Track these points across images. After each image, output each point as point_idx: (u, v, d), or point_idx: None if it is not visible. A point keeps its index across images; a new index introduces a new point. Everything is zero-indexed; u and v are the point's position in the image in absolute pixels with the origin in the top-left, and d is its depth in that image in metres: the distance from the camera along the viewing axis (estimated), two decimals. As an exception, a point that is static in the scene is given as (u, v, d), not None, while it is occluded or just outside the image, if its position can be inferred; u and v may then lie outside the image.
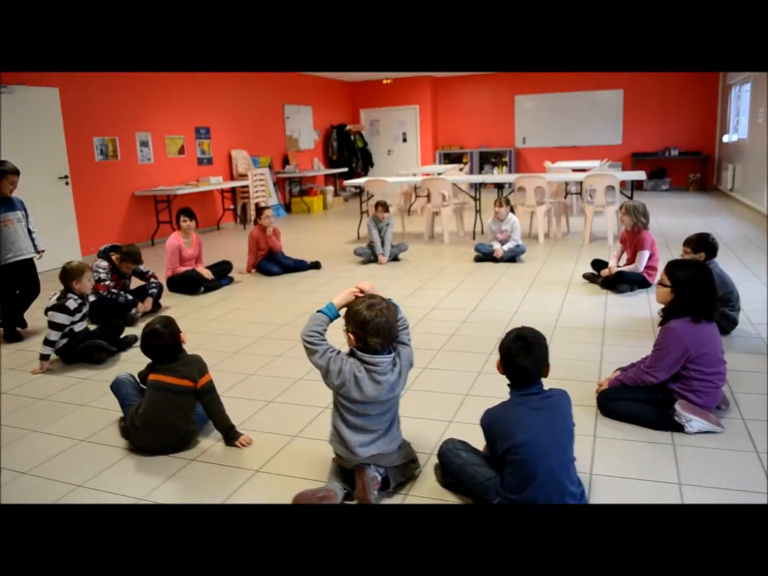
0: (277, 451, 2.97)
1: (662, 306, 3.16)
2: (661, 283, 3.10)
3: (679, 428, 2.92)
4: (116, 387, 3.22)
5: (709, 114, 13.58)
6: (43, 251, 5.08)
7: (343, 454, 2.53)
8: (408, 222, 10.05)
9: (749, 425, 2.99)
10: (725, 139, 12.62)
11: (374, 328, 2.36)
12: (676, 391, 2.99)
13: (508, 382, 2.36)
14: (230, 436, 3.03)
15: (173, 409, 2.95)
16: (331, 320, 2.54)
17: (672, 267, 3.07)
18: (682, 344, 2.92)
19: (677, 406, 2.92)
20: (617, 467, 2.68)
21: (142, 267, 5.45)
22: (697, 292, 2.97)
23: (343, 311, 2.55)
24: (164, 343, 2.99)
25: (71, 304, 4.16)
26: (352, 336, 2.44)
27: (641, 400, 3.04)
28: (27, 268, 4.97)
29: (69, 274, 4.23)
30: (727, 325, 4.14)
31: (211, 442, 3.10)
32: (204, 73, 10.49)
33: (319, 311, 2.52)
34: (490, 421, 2.31)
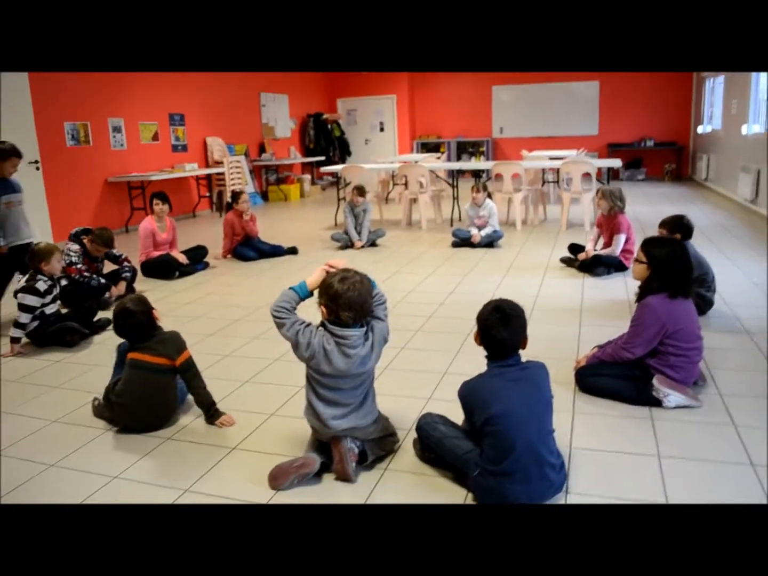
0: (253, 429, 2.93)
1: (639, 284, 3.18)
2: (637, 260, 3.11)
3: (657, 403, 2.94)
4: (118, 353, 3.18)
5: (683, 105, 13.71)
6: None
7: (317, 427, 2.51)
8: (386, 210, 10.02)
9: (726, 400, 3.02)
10: (699, 130, 12.76)
11: (346, 302, 2.34)
12: (654, 367, 3.00)
13: (485, 353, 2.35)
14: (211, 413, 2.99)
15: (151, 388, 2.90)
16: (302, 299, 2.54)
17: (648, 244, 3.08)
18: (658, 320, 2.94)
19: (655, 381, 2.94)
20: (597, 441, 2.69)
21: (114, 251, 5.36)
22: (673, 268, 2.99)
23: (316, 292, 2.52)
24: (136, 321, 2.92)
25: (41, 285, 4.07)
26: (324, 309, 2.42)
27: (619, 375, 3.05)
28: (22, 253, 4.71)
29: (37, 256, 4.14)
30: (704, 305, 4.18)
31: (188, 420, 3.05)
32: (178, 59, 10.32)
33: (290, 288, 2.53)
34: (468, 393, 2.30)
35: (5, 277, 4.76)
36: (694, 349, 3.00)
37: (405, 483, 2.44)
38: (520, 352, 2.33)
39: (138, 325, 2.93)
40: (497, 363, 2.29)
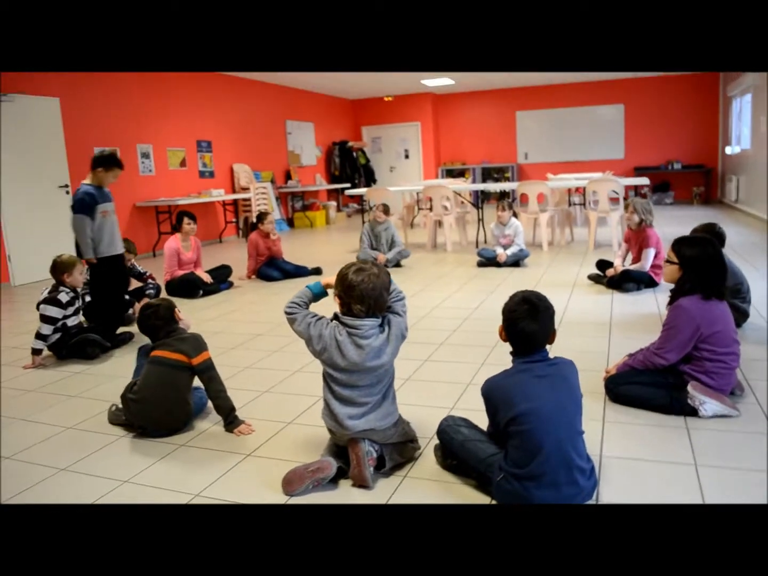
0: (270, 436, 2.84)
1: (670, 288, 3.04)
2: (668, 260, 2.98)
3: (692, 412, 2.77)
4: (138, 355, 3.19)
5: (710, 127, 13.53)
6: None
7: (334, 428, 2.41)
8: (411, 234, 9.97)
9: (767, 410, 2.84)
10: (728, 151, 12.54)
11: (359, 294, 2.27)
12: (688, 373, 2.84)
13: (510, 350, 2.23)
14: (230, 420, 2.90)
15: (166, 384, 2.85)
16: (315, 296, 2.52)
17: (679, 243, 2.95)
18: (692, 322, 2.79)
19: (690, 388, 2.78)
20: (629, 450, 2.53)
21: (140, 268, 5.37)
22: (706, 268, 2.84)
23: (331, 292, 2.50)
24: (159, 316, 2.93)
25: (63, 297, 4.05)
26: (338, 299, 2.36)
27: (652, 383, 2.90)
28: (119, 264, 4.74)
29: (59, 267, 4.13)
30: (739, 317, 3.98)
31: (205, 426, 2.98)
32: (205, 87, 10.49)
33: (306, 286, 2.55)
34: (492, 390, 2.18)
35: (101, 287, 4.62)
36: (731, 354, 2.83)
37: (425, 490, 2.31)
38: (548, 347, 2.20)
39: (160, 320, 2.94)
40: (523, 359, 2.16)
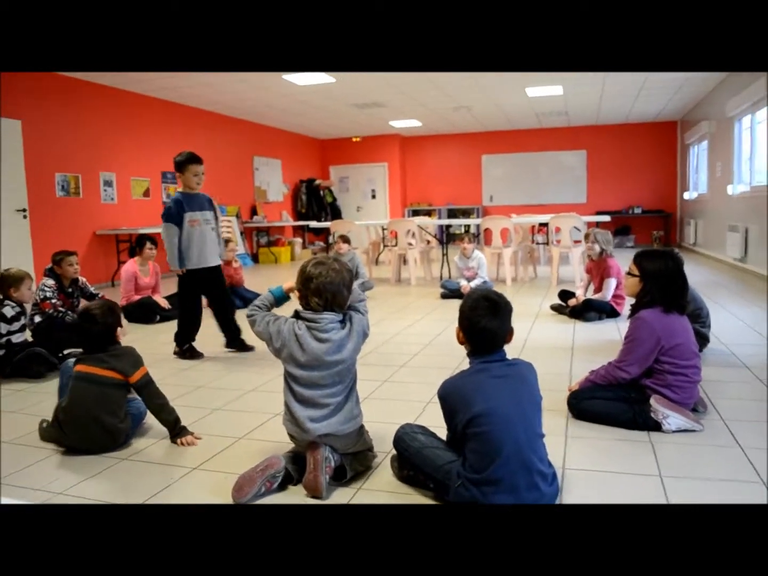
0: (219, 450, 2.68)
1: (631, 304, 3.01)
2: (629, 273, 2.95)
3: (656, 426, 2.71)
4: (62, 372, 2.94)
5: (669, 173, 13.90)
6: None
7: (295, 433, 2.29)
8: (375, 270, 9.92)
9: (730, 425, 2.79)
10: (686, 196, 12.86)
11: (316, 288, 2.21)
12: (651, 387, 2.79)
13: (467, 351, 2.15)
14: (176, 431, 2.73)
15: (99, 403, 2.63)
16: (277, 299, 2.47)
17: (640, 256, 2.93)
18: (653, 334, 2.75)
19: (652, 401, 2.72)
20: (592, 462, 2.44)
21: (92, 289, 5.17)
22: (667, 281, 2.82)
23: (294, 297, 2.43)
24: (96, 329, 2.71)
25: (8, 311, 3.87)
26: (297, 293, 2.30)
27: (614, 398, 2.83)
28: (208, 276, 4.39)
29: (6, 281, 3.96)
30: (700, 342, 3.97)
31: (146, 443, 2.79)
32: (174, 119, 10.44)
33: (268, 290, 2.48)
34: (448, 392, 2.08)
35: (187, 302, 4.44)
36: (693, 367, 2.79)
37: (380, 502, 2.18)
38: (505, 348, 2.12)
39: (97, 333, 2.72)
40: (481, 358, 2.08)
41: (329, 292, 2.21)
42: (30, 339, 4.24)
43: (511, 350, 2.16)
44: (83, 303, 5.10)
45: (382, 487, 2.29)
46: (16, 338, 3.96)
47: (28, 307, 4.25)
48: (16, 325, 3.93)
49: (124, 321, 2.93)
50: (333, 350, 2.23)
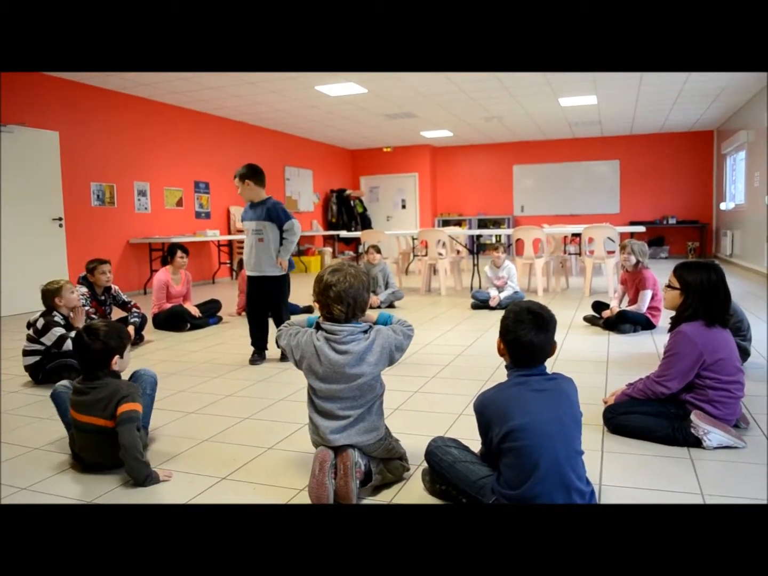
0: (248, 461, 2.65)
1: (671, 316, 2.91)
2: (669, 286, 2.86)
3: (696, 443, 2.61)
4: (55, 400, 2.76)
5: (705, 183, 13.64)
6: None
7: (318, 443, 2.27)
8: (405, 280, 9.88)
9: (772, 442, 2.68)
10: (722, 206, 12.60)
11: (337, 295, 2.19)
12: (691, 402, 2.69)
13: (506, 364, 2.09)
14: (144, 484, 2.39)
15: (103, 448, 2.48)
16: (310, 326, 2.42)
17: (681, 268, 2.84)
18: (695, 349, 2.65)
19: (693, 417, 2.62)
20: (630, 479, 2.36)
21: (124, 297, 5.22)
22: (709, 293, 2.73)
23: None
24: (94, 347, 2.48)
25: (58, 318, 3.97)
26: (317, 304, 2.28)
27: (652, 413, 2.74)
28: (258, 284, 4.53)
29: (49, 293, 4.06)
30: (740, 355, 3.86)
31: (171, 453, 2.78)
32: (206, 129, 10.55)
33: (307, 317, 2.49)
34: (485, 404, 2.01)
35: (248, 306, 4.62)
36: (736, 383, 2.69)
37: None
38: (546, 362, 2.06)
39: (91, 351, 2.48)
40: (521, 371, 2.01)
41: (351, 297, 2.20)
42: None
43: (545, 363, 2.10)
44: (116, 312, 5.17)
45: (413, 501, 2.23)
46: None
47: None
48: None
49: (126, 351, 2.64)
50: (353, 362, 2.20)
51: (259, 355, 4.56)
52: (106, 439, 2.44)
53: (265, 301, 4.57)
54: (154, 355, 4.84)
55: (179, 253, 6.09)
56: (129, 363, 2.69)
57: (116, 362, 2.56)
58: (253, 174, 4.46)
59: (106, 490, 2.37)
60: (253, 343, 4.58)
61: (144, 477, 2.39)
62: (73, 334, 3.99)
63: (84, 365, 2.55)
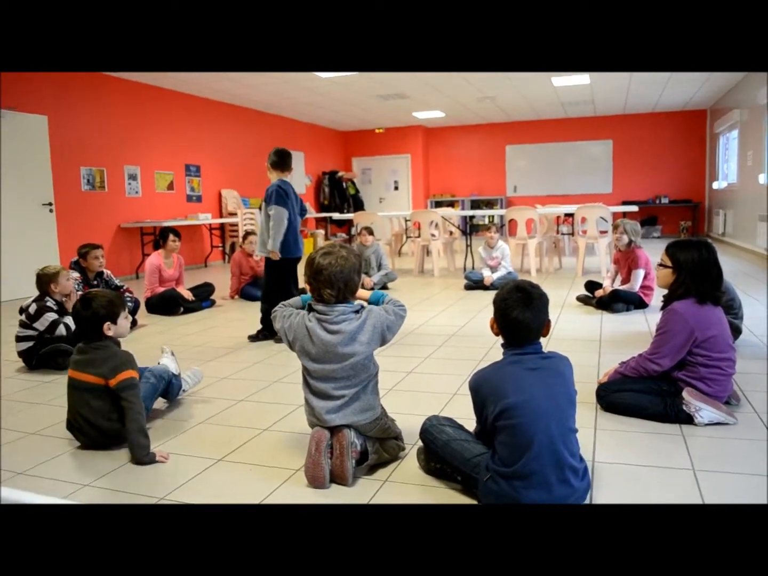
0: (244, 442, 2.67)
1: (663, 294, 2.94)
2: (661, 264, 2.88)
3: (687, 420, 2.65)
4: None
5: (697, 163, 13.65)
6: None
7: (314, 424, 2.29)
8: (398, 261, 9.88)
9: (764, 418, 2.72)
10: (715, 185, 12.63)
11: (328, 278, 2.20)
12: (683, 380, 2.72)
13: (501, 342, 2.11)
14: (142, 459, 2.45)
15: (89, 409, 2.56)
16: (304, 304, 2.44)
17: (672, 247, 2.86)
18: (687, 326, 2.68)
19: (685, 394, 2.65)
20: (623, 455, 2.39)
21: (116, 281, 5.22)
22: (701, 271, 2.75)
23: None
24: (83, 314, 2.60)
25: (51, 304, 3.96)
26: (308, 286, 2.29)
27: (645, 390, 2.78)
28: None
29: (44, 279, 4.04)
30: (732, 333, 3.89)
31: (167, 435, 2.79)
32: (196, 112, 10.47)
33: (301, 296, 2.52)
34: (480, 383, 2.04)
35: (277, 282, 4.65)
36: (727, 359, 2.72)
37: (406, 494, 2.16)
38: (542, 340, 2.08)
39: (81, 319, 2.62)
40: (515, 350, 2.03)
41: (341, 282, 2.21)
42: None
43: (541, 342, 2.11)
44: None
45: (408, 480, 2.26)
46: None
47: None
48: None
49: (124, 320, 2.73)
50: (345, 342, 2.21)
51: (262, 334, 4.62)
52: (97, 397, 2.56)
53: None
54: (147, 339, 4.84)
55: (171, 237, 6.07)
56: (127, 331, 2.80)
57: (109, 328, 2.64)
58: (269, 158, 4.71)
59: (104, 473, 2.39)
60: (261, 320, 4.69)
61: (145, 453, 2.45)
62: (66, 319, 4.00)
63: (80, 332, 2.70)
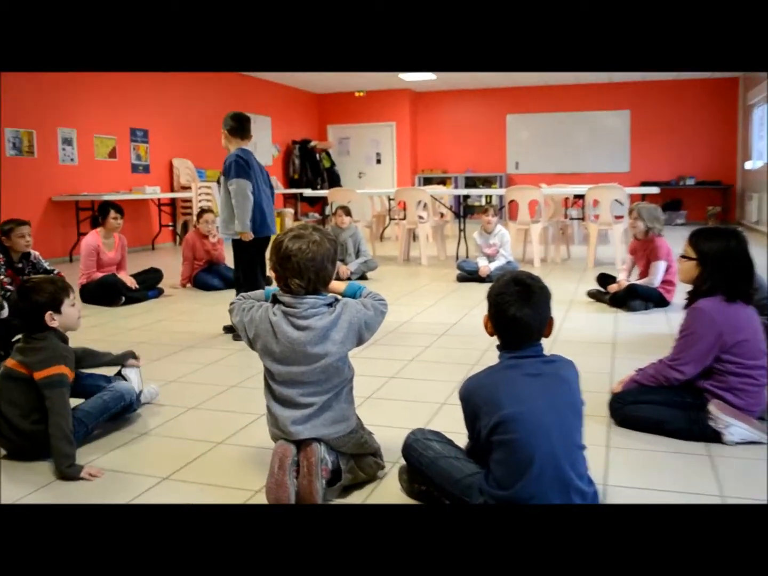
0: (194, 458, 2.65)
1: (687, 291, 2.95)
2: (684, 256, 2.88)
3: (715, 437, 2.66)
4: None
5: (728, 139, 13.80)
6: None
7: (278, 437, 2.27)
8: (380, 247, 9.88)
9: (801, 436, 2.74)
10: (748, 166, 12.77)
11: (296, 266, 2.17)
12: (709, 390, 2.73)
13: (497, 344, 2.10)
14: (64, 472, 2.43)
15: (8, 404, 2.60)
16: (267, 299, 2.42)
17: (696, 236, 2.86)
18: (714, 328, 2.69)
19: (712, 407, 2.66)
20: (640, 479, 2.40)
21: (46, 264, 5.17)
22: (730, 264, 2.75)
23: None
24: (21, 305, 2.70)
25: None
26: (273, 273, 2.27)
27: (665, 402, 2.79)
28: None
29: None
30: (766, 337, 3.93)
31: (106, 447, 2.76)
32: (144, 66, 10.38)
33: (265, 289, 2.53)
34: (471, 390, 2.03)
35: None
36: (761, 367, 2.73)
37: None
38: (543, 342, 2.07)
39: (19, 310, 2.74)
40: (512, 353, 2.02)
41: (312, 271, 2.18)
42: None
43: (542, 343, 2.11)
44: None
45: (388, 502, 2.25)
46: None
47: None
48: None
49: (71, 307, 2.80)
50: (315, 340, 2.19)
51: None
52: (21, 391, 2.60)
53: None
54: (82, 333, 4.74)
55: (112, 213, 6.02)
56: (76, 320, 2.85)
57: (53, 318, 2.66)
58: (225, 123, 4.60)
59: (23, 494, 2.35)
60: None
61: (68, 464, 2.44)
62: None
63: (22, 323, 2.76)
